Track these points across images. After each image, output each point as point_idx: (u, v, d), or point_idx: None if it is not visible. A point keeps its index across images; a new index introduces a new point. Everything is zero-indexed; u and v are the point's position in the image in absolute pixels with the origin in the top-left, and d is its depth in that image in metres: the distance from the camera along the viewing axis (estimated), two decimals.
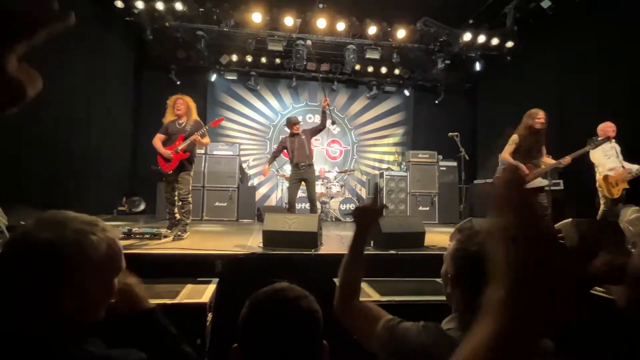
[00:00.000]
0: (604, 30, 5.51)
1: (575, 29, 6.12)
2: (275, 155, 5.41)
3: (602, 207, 4.46)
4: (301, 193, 5.51)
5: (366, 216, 1.27)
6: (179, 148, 3.99)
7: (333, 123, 5.39)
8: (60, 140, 5.29)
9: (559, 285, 0.38)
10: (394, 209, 7.55)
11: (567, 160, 3.82)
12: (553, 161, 3.93)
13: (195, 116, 4.18)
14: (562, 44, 6.37)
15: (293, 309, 0.86)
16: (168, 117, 4.12)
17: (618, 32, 5.25)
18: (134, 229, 3.68)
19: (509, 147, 3.89)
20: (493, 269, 0.40)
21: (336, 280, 2.53)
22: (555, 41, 6.56)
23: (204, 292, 2.16)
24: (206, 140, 4.18)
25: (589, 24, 5.83)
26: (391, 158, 9.61)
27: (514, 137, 3.88)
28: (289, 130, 5.15)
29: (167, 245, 3.38)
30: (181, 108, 4.07)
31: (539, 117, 3.77)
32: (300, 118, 9.32)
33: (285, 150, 5.14)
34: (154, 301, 1.93)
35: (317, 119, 9.48)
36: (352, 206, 7.60)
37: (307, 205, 6.08)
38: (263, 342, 0.84)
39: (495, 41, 7.36)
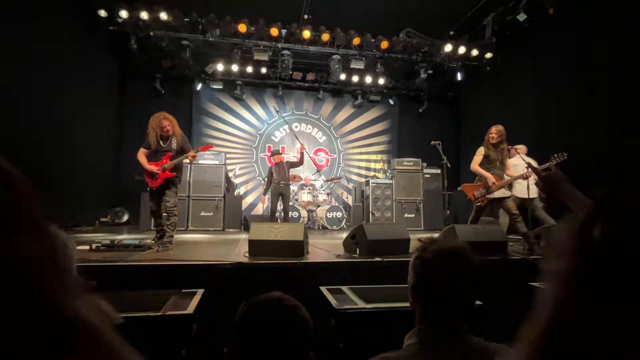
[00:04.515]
0: (577, 41, 5.77)
1: (549, 40, 6.38)
2: (270, 183, 6.49)
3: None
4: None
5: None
6: (166, 167, 3.97)
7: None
8: (41, 150, 5.18)
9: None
10: (380, 216, 7.63)
11: (529, 173, 4.05)
12: (516, 174, 4.24)
13: (179, 130, 4.17)
14: (538, 55, 6.64)
15: (290, 317, 0.89)
16: (152, 134, 4.05)
17: (590, 43, 5.50)
18: (117, 240, 3.62)
19: (477, 158, 4.31)
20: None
21: (322, 288, 2.55)
22: (531, 52, 6.83)
23: (189, 303, 2.15)
24: (192, 155, 4.13)
25: (562, 35, 6.09)
26: (377, 166, 9.73)
27: (480, 150, 4.32)
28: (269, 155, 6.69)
29: (151, 257, 3.34)
30: (169, 129, 4.05)
31: (491, 132, 4.28)
32: (286, 126, 9.40)
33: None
34: (138, 314, 1.92)
35: (303, 127, 9.67)
36: (338, 214, 7.64)
37: (295, 214, 7.31)
38: (257, 346, 0.86)
39: (474, 52, 7.61)
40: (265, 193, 6.58)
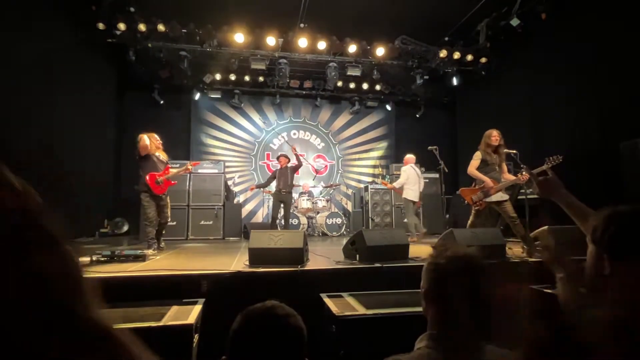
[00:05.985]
0: (569, 45, 5.84)
1: (542, 45, 6.46)
2: (267, 184, 6.72)
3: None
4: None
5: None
6: (170, 176, 4.41)
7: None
8: (40, 161, 5.19)
9: None
10: (379, 221, 7.63)
11: (525, 177, 4.07)
12: (513, 177, 4.25)
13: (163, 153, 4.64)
14: (532, 59, 6.71)
15: (283, 326, 0.92)
16: (144, 145, 4.33)
17: (585, 45, 5.57)
18: (117, 251, 3.62)
19: (475, 162, 4.30)
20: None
21: (323, 295, 2.56)
22: (525, 56, 6.90)
23: (190, 313, 2.15)
24: (188, 167, 4.81)
25: (555, 38, 6.17)
26: (375, 171, 9.76)
27: (478, 154, 4.31)
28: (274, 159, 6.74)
29: (151, 267, 3.34)
30: (159, 144, 4.51)
31: (494, 135, 4.26)
32: (285, 134, 9.43)
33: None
34: (138, 324, 1.92)
35: (301, 134, 9.74)
36: (338, 220, 7.64)
37: (294, 221, 7.32)
38: (252, 356, 0.88)
39: (469, 57, 7.68)
40: (257, 187, 6.85)
